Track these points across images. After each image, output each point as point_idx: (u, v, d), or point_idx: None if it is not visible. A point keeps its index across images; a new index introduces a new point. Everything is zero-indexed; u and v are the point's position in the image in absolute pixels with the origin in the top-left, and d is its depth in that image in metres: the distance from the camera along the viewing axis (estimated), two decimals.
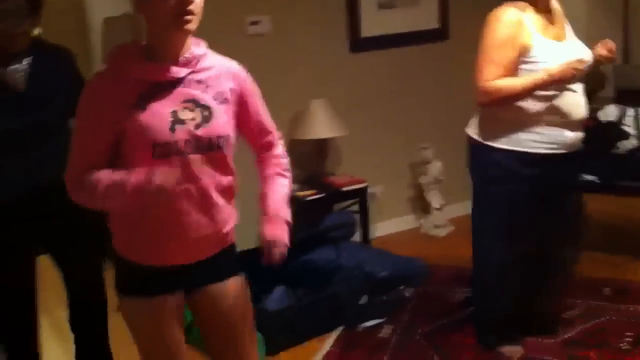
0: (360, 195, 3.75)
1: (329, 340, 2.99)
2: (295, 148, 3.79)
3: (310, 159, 3.82)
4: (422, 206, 4.28)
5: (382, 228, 4.16)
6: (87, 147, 1.63)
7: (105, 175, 1.60)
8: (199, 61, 1.65)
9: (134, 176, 1.56)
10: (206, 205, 1.65)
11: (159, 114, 1.59)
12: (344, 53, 3.89)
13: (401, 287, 3.36)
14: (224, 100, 1.67)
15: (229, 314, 1.77)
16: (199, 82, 1.64)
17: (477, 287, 2.84)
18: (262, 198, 1.82)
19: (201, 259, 1.71)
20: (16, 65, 2.16)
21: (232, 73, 1.72)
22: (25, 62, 2.18)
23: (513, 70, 2.40)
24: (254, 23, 3.57)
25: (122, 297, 1.74)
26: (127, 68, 1.61)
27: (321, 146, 3.80)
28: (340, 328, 3.08)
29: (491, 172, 2.55)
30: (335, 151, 3.96)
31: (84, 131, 1.64)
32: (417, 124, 4.15)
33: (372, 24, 3.90)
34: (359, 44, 3.89)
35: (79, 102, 1.63)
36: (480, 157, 2.58)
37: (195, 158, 1.61)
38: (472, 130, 2.60)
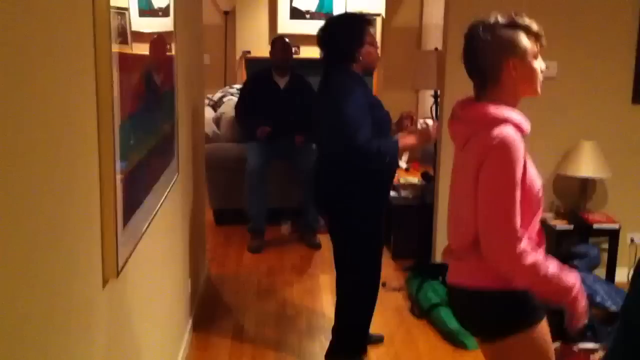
0: (612, 235, 4.01)
1: None
2: (561, 182, 4.22)
3: (572, 194, 4.20)
4: None
5: None
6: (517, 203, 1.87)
7: (553, 266, 1.86)
8: None
9: (577, 288, 1.88)
10: None
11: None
12: (625, 103, 4.17)
13: None
14: None
15: None
16: None
17: None
18: None
19: None
20: None
21: None
22: None
23: None
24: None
25: (535, 325, 1.98)
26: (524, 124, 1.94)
27: (585, 184, 4.15)
28: (558, 342, 3.47)
29: None
30: (601, 192, 4.27)
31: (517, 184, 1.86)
32: None
33: None
34: None
35: (512, 152, 1.85)
36: None
37: None
38: None
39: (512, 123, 1.90)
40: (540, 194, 1.99)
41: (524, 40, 1.95)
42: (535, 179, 1.96)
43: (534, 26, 1.97)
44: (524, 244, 1.85)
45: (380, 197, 3.15)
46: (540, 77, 1.99)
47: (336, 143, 2.95)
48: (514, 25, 1.95)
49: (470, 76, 2.03)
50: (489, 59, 1.94)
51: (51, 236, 1.28)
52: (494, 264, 1.90)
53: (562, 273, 1.89)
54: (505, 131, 1.87)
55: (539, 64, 1.98)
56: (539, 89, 2.00)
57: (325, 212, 3.21)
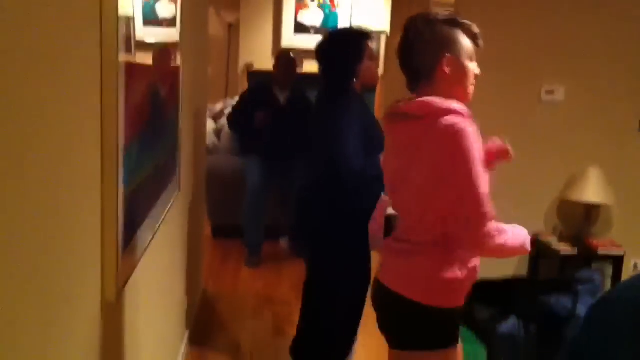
0: (616, 260, 3.96)
1: None
2: (566, 207, 4.17)
3: (577, 219, 4.15)
4: None
5: None
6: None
7: (512, 239, 1.86)
8: None
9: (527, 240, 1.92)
10: None
11: None
12: (631, 130, 4.13)
13: None
14: None
15: None
16: None
17: None
18: None
19: None
20: None
21: None
22: None
23: None
24: (549, 92, 4.04)
25: (451, 347, 1.98)
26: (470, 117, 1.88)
27: (590, 210, 4.10)
28: None
29: None
30: (605, 217, 4.22)
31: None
32: None
33: None
34: None
35: (466, 138, 1.80)
36: None
37: None
38: None
39: (458, 113, 1.84)
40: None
41: (462, 39, 1.91)
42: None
43: (474, 28, 1.94)
44: (493, 226, 1.81)
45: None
46: (472, 80, 1.94)
47: (328, 166, 2.82)
48: (453, 22, 1.92)
49: (403, 71, 1.98)
50: (424, 54, 1.90)
51: (49, 258, 1.22)
52: (464, 242, 1.88)
53: (517, 239, 1.89)
54: (454, 120, 1.80)
55: (473, 67, 1.94)
56: (470, 93, 1.95)
57: (311, 241, 3.06)
